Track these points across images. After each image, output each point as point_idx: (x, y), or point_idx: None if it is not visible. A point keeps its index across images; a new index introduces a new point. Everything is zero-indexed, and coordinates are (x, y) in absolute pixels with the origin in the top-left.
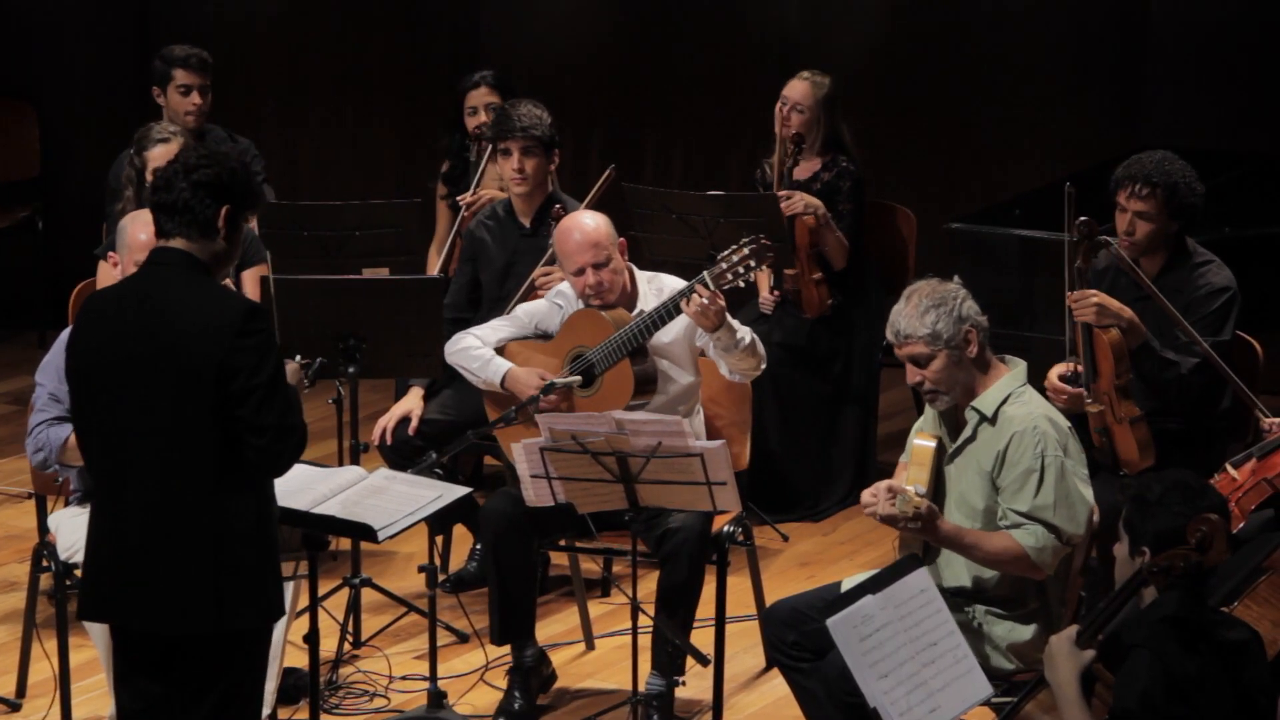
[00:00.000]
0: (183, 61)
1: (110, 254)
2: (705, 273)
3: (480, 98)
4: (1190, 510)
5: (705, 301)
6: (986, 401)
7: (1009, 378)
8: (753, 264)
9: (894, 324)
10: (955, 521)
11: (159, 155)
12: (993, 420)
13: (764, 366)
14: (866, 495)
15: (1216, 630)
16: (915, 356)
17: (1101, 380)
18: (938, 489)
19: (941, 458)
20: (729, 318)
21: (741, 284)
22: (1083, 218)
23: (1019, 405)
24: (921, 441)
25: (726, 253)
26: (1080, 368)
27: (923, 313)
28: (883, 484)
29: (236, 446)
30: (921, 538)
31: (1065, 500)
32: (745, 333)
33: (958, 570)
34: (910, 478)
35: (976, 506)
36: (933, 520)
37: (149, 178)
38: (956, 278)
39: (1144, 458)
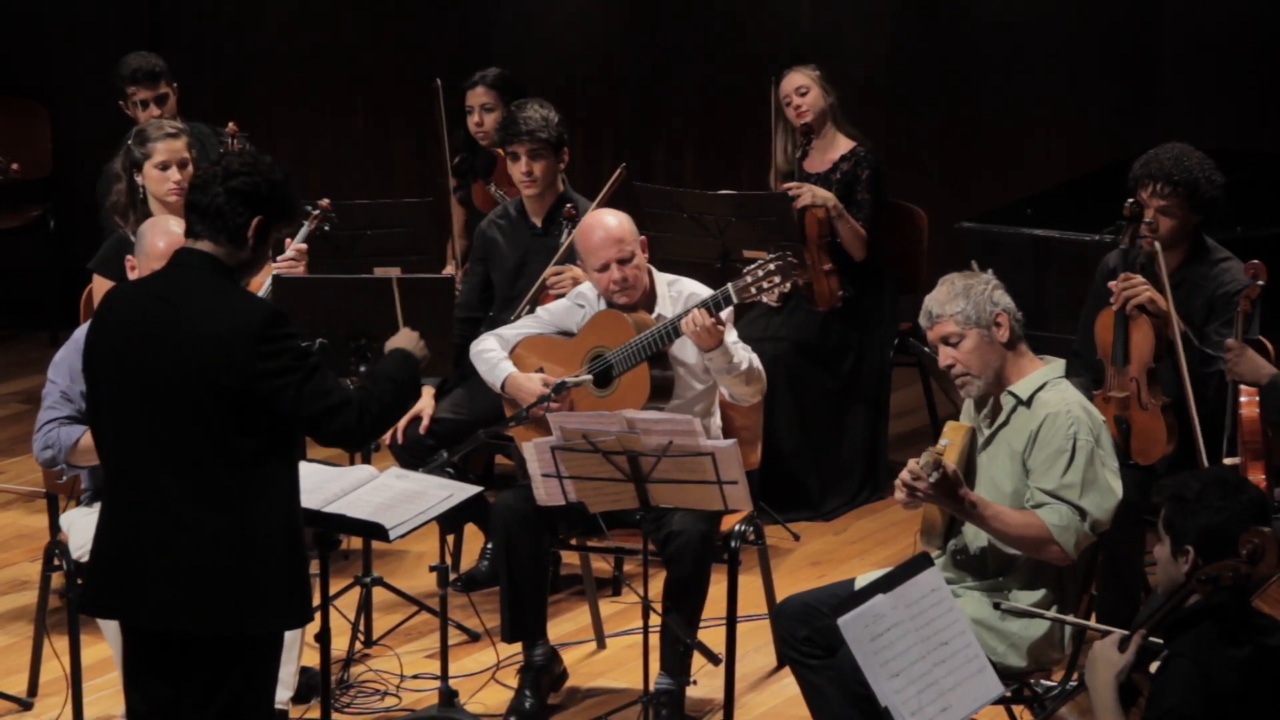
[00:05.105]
0: (131, 78)
1: (129, 258)
2: (730, 285)
3: (477, 98)
4: (1231, 504)
5: (700, 324)
6: (1023, 386)
7: (1047, 369)
8: (778, 279)
9: (926, 307)
10: None
11: (163, 149)
12: (1028, 403)
13: (764, 393)
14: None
15: (1262, 639)
16: (946, 336)
17: (1132, 365)
18: (968, 476)
19: (974, 443)
20: (729, 343)
21: (764, 299)
22: (1130, 199)
23: (1055, 392)
24: (953, 424)
25: (753, 266)
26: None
27: (954, 295)
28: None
29: (257, 448)
30: (942, 503)
31: (1094, 485)
32: (744, 359)
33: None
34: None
35: (1005, 490)
36: (955, 483)
37: (151, 169)
38: (990, 270)
39: (1169, 444)
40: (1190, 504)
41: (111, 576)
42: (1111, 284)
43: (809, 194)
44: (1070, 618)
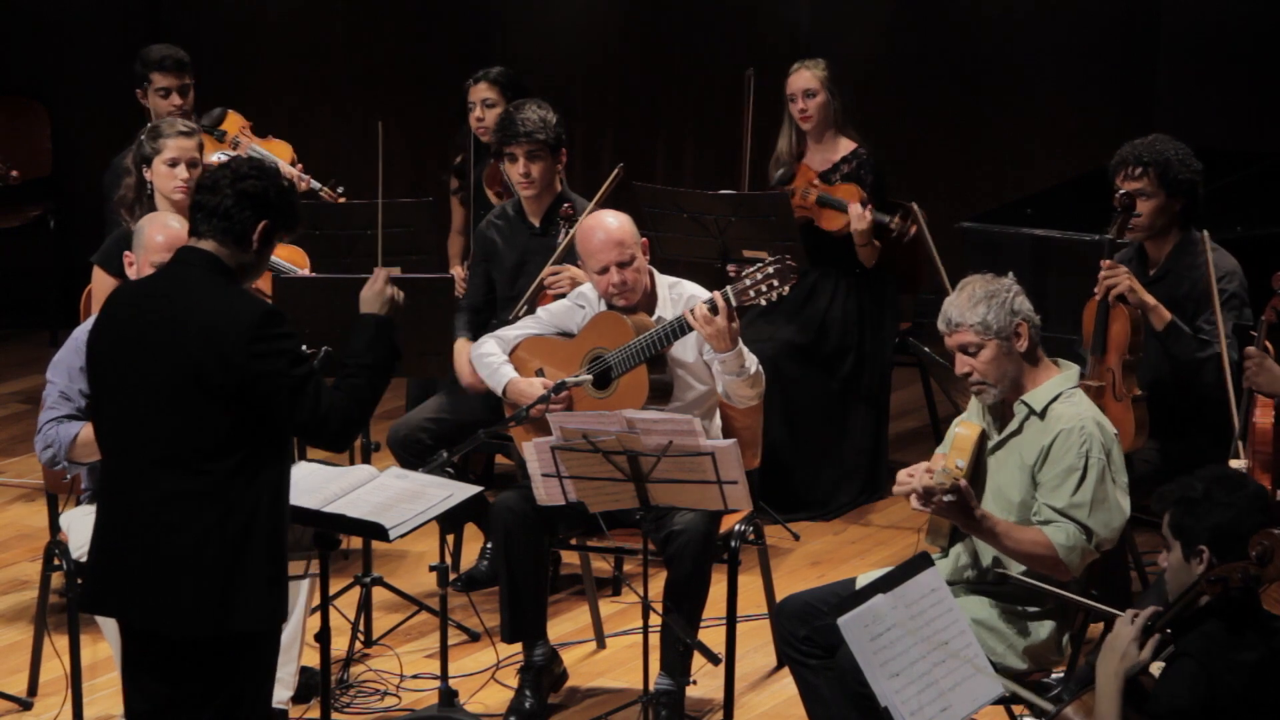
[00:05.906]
0: (158, 65)
1: (126, 254)
2: (728, 287)
3: (479, 94)
4: (1239, 499)
5: (717, 326)
6: (1037, 397)
7: (1061, 378)
8: (775, 283)
9: (945, 313)
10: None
11: (174, 147)
12: (1041, 415)
13: (763, 395)
14: (903, 475)
15: (1270, 640)
16: (965, 345)
17: (1110, 355)
18: (975, 479)
19: (983, 447)
20: (743, 345)
21: (763, 302)
22: (1122, 191)
23: (1069, 405)
24: (964, 430)
25: (750, 269)
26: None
27: (975, 303)
28: (921, 465)
29: (250, 448)
30: (953, 519)
31: (1102, 504)
32: (753, 363)
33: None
34: (950, 460)
35: (1012, 500)
36: (968, 500)
37: (160, 165)
38: (1011, 274)
39: (1139, 437)
40: (1198, 504)
41: (107, 574)
42: (1102, 262)
43: (866, 224)
44: (1074, 595)
